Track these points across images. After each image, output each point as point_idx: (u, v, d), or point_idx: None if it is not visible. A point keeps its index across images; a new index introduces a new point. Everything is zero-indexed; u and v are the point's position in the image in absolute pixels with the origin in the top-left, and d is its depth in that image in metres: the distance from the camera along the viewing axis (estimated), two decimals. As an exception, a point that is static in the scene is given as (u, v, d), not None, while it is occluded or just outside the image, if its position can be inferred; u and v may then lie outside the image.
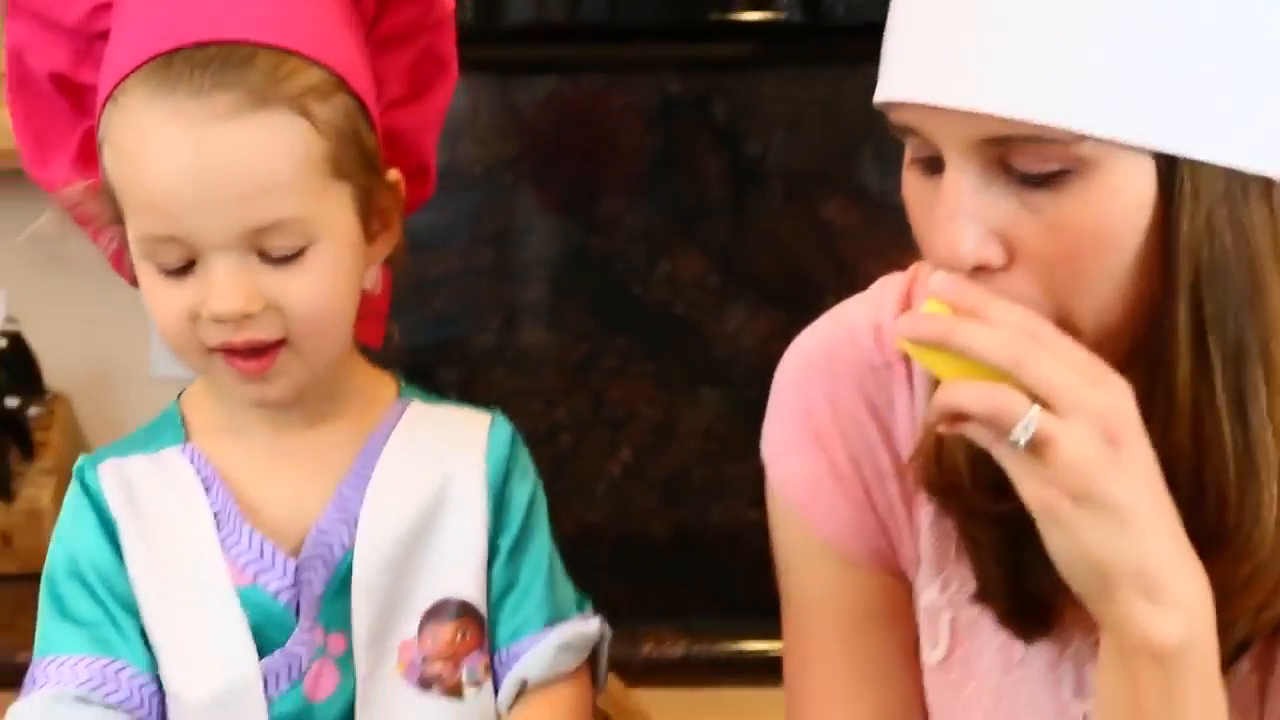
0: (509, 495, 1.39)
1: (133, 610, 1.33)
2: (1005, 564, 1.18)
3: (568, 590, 1.43)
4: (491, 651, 1.40)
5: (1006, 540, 1.12)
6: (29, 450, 2.50)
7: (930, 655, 1.26)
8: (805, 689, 1.30)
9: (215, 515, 1.33)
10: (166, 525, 1.34)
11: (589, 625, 1.41)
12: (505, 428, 1.41)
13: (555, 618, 1.40)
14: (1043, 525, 1.04)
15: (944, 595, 1.24)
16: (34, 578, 2.07)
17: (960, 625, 1.24)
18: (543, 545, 1.41)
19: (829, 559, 1.27)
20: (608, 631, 1.43)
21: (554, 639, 1.38)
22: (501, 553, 1.38)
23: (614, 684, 1.75)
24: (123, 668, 1.31)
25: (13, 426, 2.48)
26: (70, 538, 1.35)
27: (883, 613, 1.27)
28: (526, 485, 1.40)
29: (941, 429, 1.07)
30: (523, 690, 1.38)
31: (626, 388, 2.67)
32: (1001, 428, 1.02)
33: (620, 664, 1.80)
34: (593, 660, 1.42)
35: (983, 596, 1.21)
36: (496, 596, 1.38)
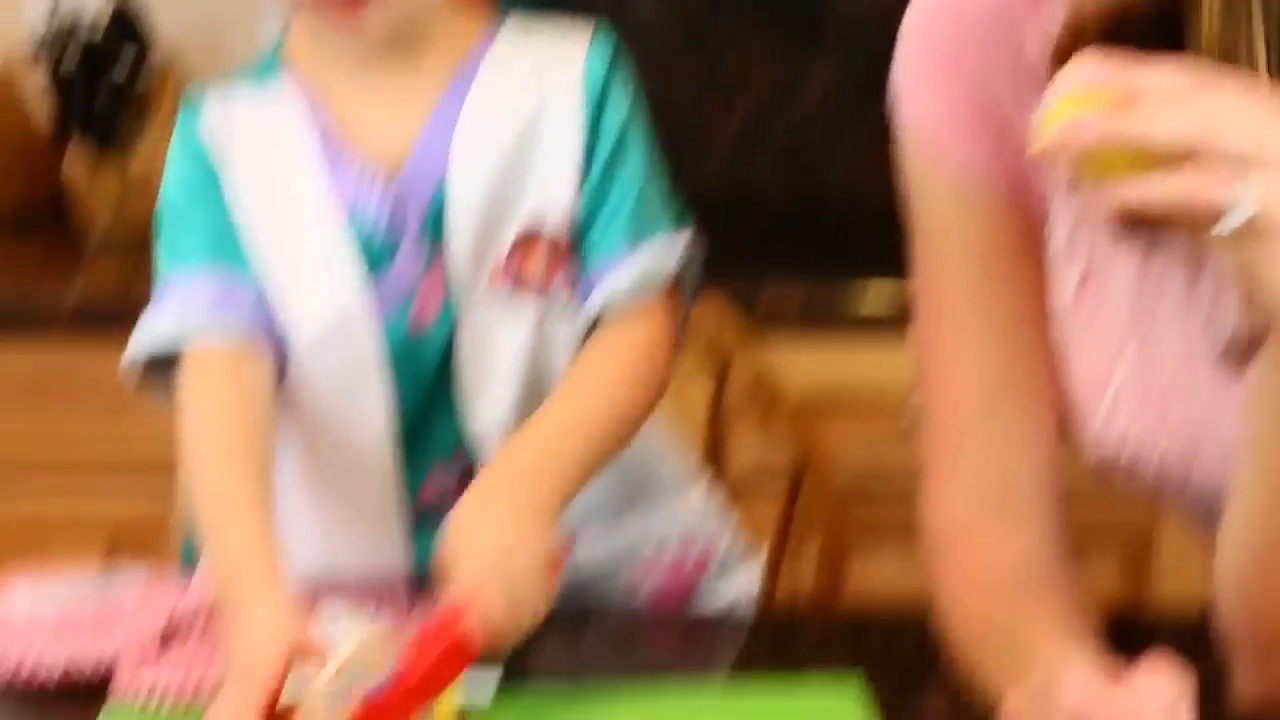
0: (605, 114, 1.38)
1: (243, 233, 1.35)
2: None
3: (661, 212, 1.41)
4: (578, 274, 1.40)
5: None
6: (140, 115, 2.50)
7: (1062, 294, 1.24)
8: (935, 331, 1.28)
9: (317, 144, 1.35)
10: (269, 155, 1.36)
11: (673, 246, 1.40)
12: (605, 44, 1.39)
13: (641, 239, 1.38)
14: (1252, 288, 1.00)
15: (1077, 230, 1.22)
16: (148, 244, 2.08)
17: (1094, 261, 1.22)
18: (635, 166, 1.39)
19: (960, 197, 1.24)
20: (698, 251, 1.41)
21: (635, 263, 1.38)
22: (594, 172, 1.37)
23: (737, 329, 1.76)
24: (244, 282, 1.34)
25: (123, 92, 2.48)
26: (180, 165, 1.38)
27: (1013, 251, 1.25)
28: (624, 104, 1.39)
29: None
30: (603, 316, 1.38)
31: (742, 52, 2.64)
32: (1207, 219, 0.96)
33: (742, 309, 1.80)
34: (680, 282, 1.41)
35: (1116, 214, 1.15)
36: (585, 216, 1.38)
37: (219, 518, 1.26)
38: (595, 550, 1.42)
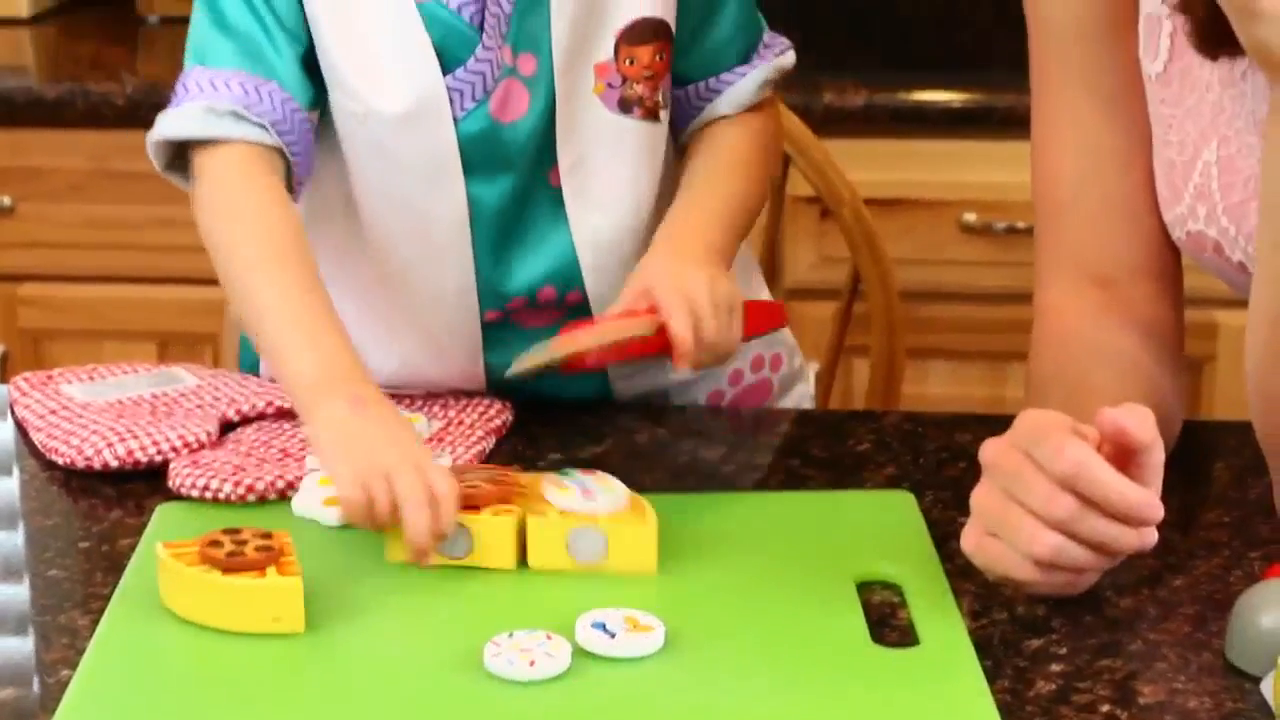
0: None
1: (292, 33, 1.31)
2: None
3: (757, 16, 1.42)
4: (681, 81, 1.39)
5: None
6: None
7: (1150, 67, 1.26)
8: (1042, 110, 1.31)
9: None
10: None
11: (787, 58, 1.42)
12: None
13: (751, 48, 1.40)
14: (1242, 22, 1.06)
15: (1164, 5, 1.23)
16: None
17: (1179, 37, 1.23)
18: None
19: None
20: (792, 50, 1.43)
21: (756, 76, 1.40)
22: None
23: (799, 128, 1.73)
24: (275, 89, 1.30)
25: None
26: None
27: (1112, 25, 1.27)
28: None
29: None
30: (715, 122, 1.40)
31: None
32: None
33: (801, 113, 1.77)
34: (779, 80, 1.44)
35: (1183, 7, 1.20)
36: (693, 22, 1.37)
37: (313, 314, 1.22)
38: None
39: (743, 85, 1.39)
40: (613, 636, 1.03)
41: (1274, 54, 1.06)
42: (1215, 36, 1.18)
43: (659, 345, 1.25)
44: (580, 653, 1.04)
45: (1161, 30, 1.24)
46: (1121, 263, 1.29)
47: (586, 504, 1.12)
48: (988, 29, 2.46)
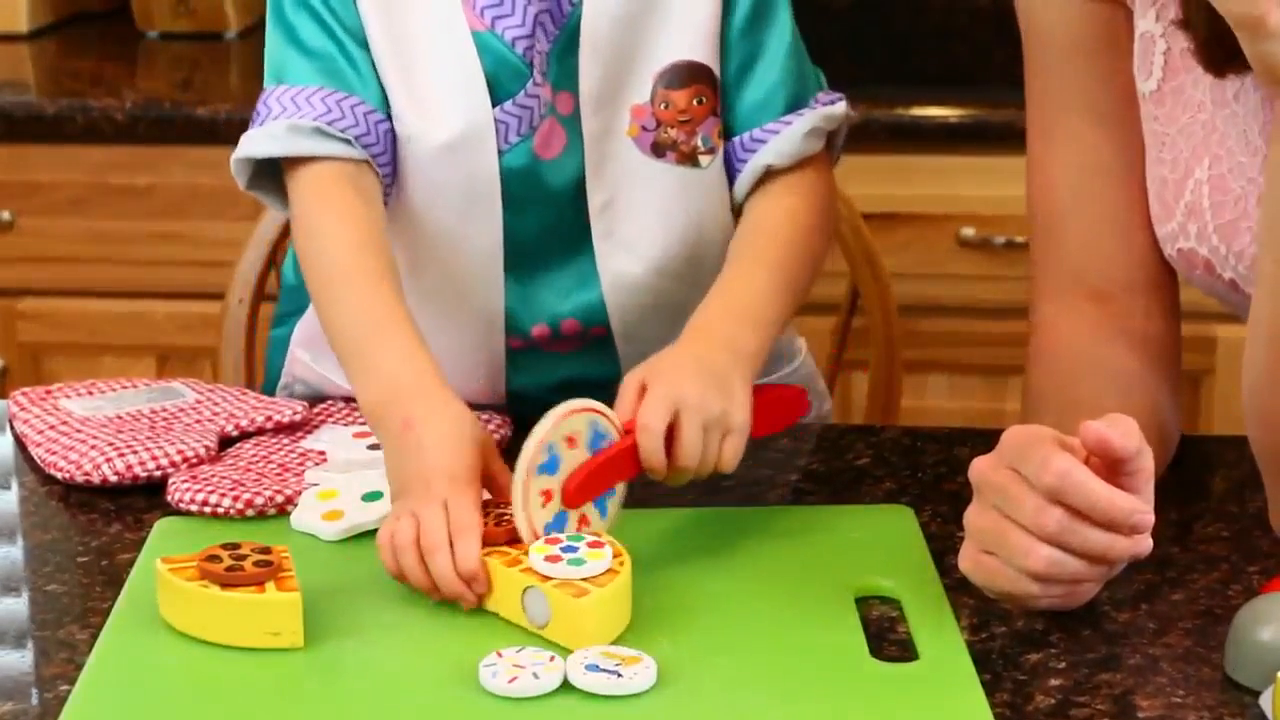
0: None
1: (364, 44, 1.31)
2: None
3: (809, 69, 1.39)
4: (729, 133, 1.36)
5: None
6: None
7: (1144, 85, 1.26)
8: (1039, 125, 1.31)
9: None
10: None
11: (836, 108, 1.38)
12: None
13: (799, 99, 1.36)
14: (1249, 39, 1.06)
15: (1159, 24, 1.24)
16: (208, 37, 2.05)
17: (1173, 56, 1.23)
18: (785, 18, 1.36)
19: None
20: (851, 113, 1.39)
21: (801, 125, 1.35)
22: (738, 22, 1.34)
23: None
24: (358, 102, 1.30)
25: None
26: None
27: (1109, 43, 1.27)
28: None
29: None
30: (764, 177, 1.36)
31: None
32: None
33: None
34: (829, 138, 1.39)
35: (1185, 23, 1.21)
36: (736, 70, 1.35)
37: (377, 334, 1.22)
38: None
39: (789, 134, 1.34)
40: (612, 675, 1.02)
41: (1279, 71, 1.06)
42: (1218, 54, 1.19)
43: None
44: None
45: (1155, 49, 1.24)
46: (1117, 277, 1.29)
47: (549, 566, 1.08)
48: (985, 45, 2.47)
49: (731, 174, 1.37)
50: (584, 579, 1.07)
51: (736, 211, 1.38)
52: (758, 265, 1.30)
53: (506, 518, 1.12)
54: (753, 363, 1.23)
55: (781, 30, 1.36)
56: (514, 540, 1.12)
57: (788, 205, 1.34)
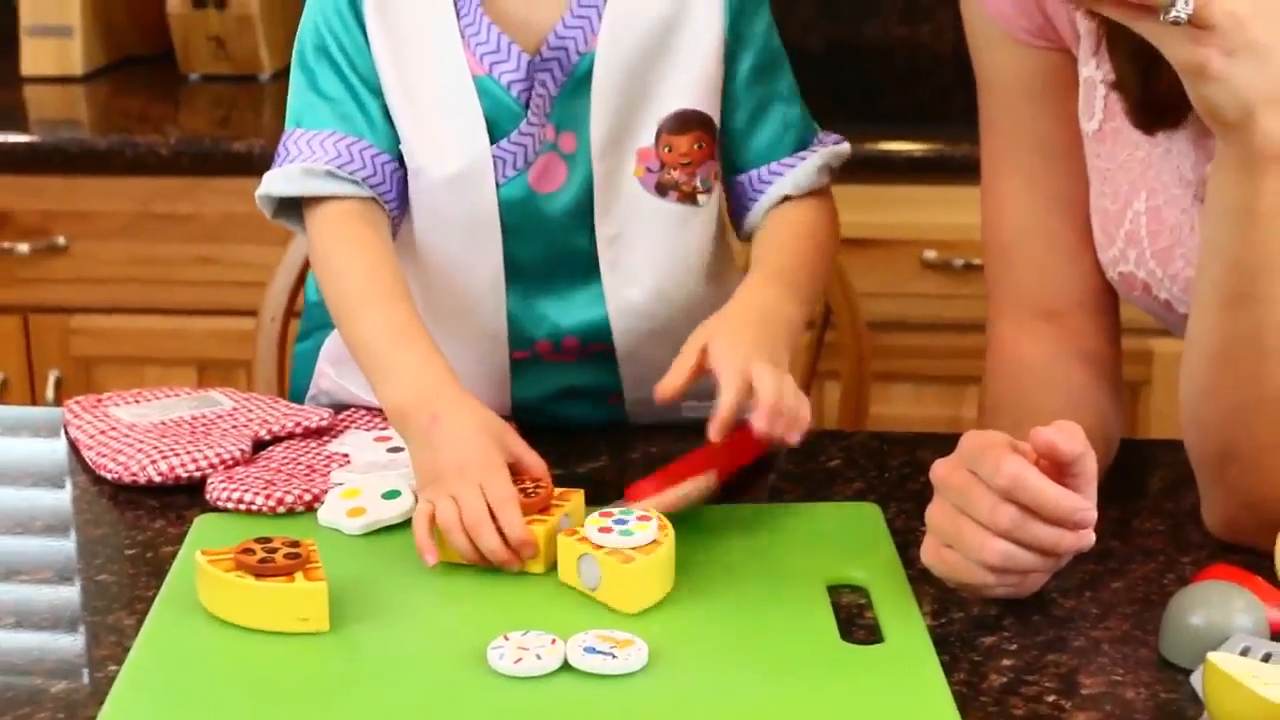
0: (747, 19, 1.34)
1: (376, 91, 1.32)
2: (1140, 60, 1.16)
3: (809, 120, 1.40)
4: (736, 169, 1.37)
5: (1142, 42, 1.06)
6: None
7: (1087, 125, 1.26)
8: (990, 161, 1.32)
9: (457, 5, 1.30)
10: (411, 10, 1.31)
11: (842, 147, 1.40)
12: None
13: (805, 139, 1.38)
14: (1193, 83, 1.04)
15: (1099, 71, 1.24)
16: (245, 79, 2.04)
17: (1113, 100, 1.23)
18: (788, 68, 1.37)
19: (1003, 39, 1.27)
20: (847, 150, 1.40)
21: (815, 160, 1.37)
22: (743, 74, 1.34)
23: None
24: (367, 147, 1.31)
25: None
26: (319, 12, 1.33)
27: (1055, 86, 1.27)
28: (764, 12, 1.36)
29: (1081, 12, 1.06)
30: (781, 203, 1.37)
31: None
32: (1156, 6, 1.00)
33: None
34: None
35: (1118, 87, 1.21)
36: (748, 117, 1.36)
37: (396, 345, 1.23)
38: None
39: (804, 168, 1.36)
40: (607, 656, 1.03)
41: (1221, 113, 1.05)
42: (1149, 116, 1.19)
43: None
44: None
45: (1096, 94, 1.24)
46: (1065, 298, 1.29)
47: (602, 537, 1.11)
48: (947, 87, 2.47)
49: (743, 206, 1.38)
50: (632, 548, 1.10)
51: (746, 238, 1.39)
52: (791, 253, 1.33)
53: (535, 490, 1.16)
54: (797, 331, 1.27)
55: (786, 78, 1.37)
56: (546, 508, 1.16)
57: (805, 212, 1.36)
